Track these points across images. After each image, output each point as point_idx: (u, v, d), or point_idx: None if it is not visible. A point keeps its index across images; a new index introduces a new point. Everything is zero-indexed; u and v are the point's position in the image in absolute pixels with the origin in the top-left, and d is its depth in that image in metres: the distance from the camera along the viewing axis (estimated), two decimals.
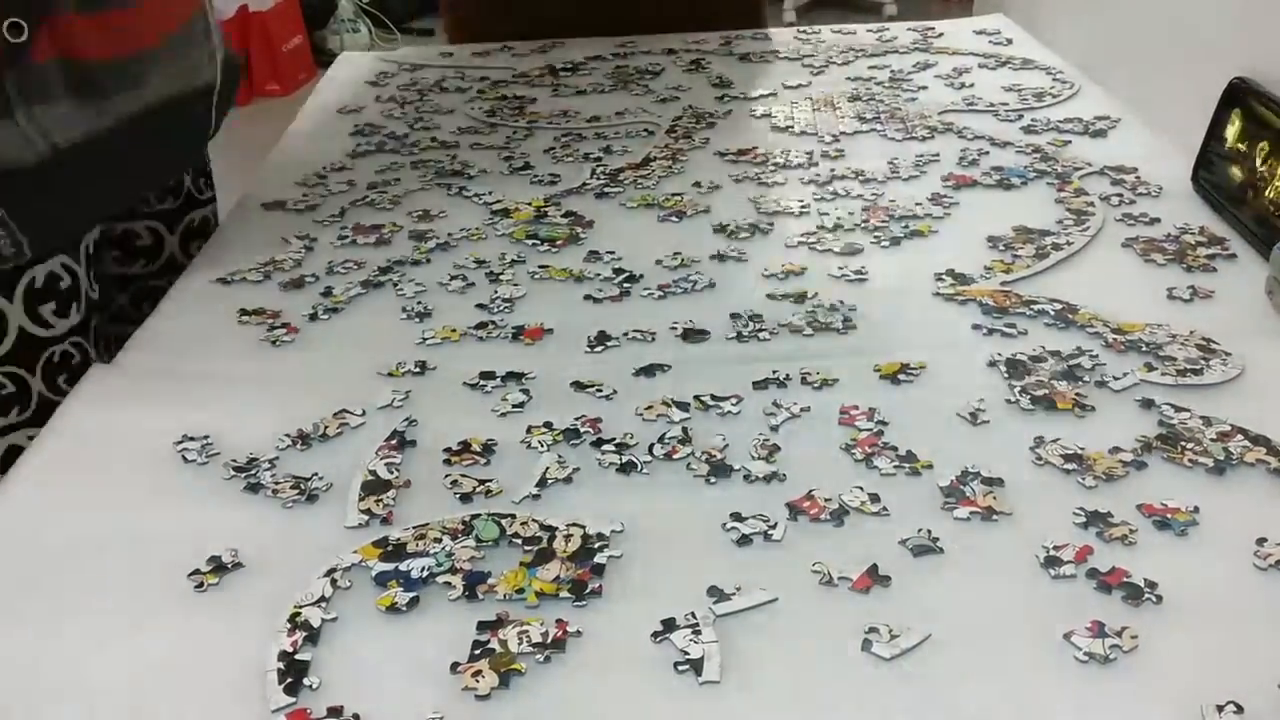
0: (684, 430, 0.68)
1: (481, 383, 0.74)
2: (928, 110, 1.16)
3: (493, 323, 0.81)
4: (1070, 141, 1.07)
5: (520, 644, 0.53)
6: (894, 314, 0.80)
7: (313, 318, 0.82)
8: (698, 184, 1.02)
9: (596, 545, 0.59)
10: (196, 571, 0.58)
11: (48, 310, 0.82)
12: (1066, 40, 1.34)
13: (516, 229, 0.95)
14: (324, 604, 0.56)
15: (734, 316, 0.80)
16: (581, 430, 0.68)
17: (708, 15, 1.46)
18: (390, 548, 0.59)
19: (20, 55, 0.72)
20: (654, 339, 0.78)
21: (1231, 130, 0.91)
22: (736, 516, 0.60)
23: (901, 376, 0.72)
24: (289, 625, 0.54)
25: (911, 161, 1.04)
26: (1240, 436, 0.65)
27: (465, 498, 0.63)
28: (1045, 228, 0.91)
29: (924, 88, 1.23)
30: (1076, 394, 0.70)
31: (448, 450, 0.67)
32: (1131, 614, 0.54)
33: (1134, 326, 0.77)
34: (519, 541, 0.59)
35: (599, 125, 1.17)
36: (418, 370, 0.75)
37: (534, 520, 0.61)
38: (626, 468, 0.65)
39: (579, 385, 0.73)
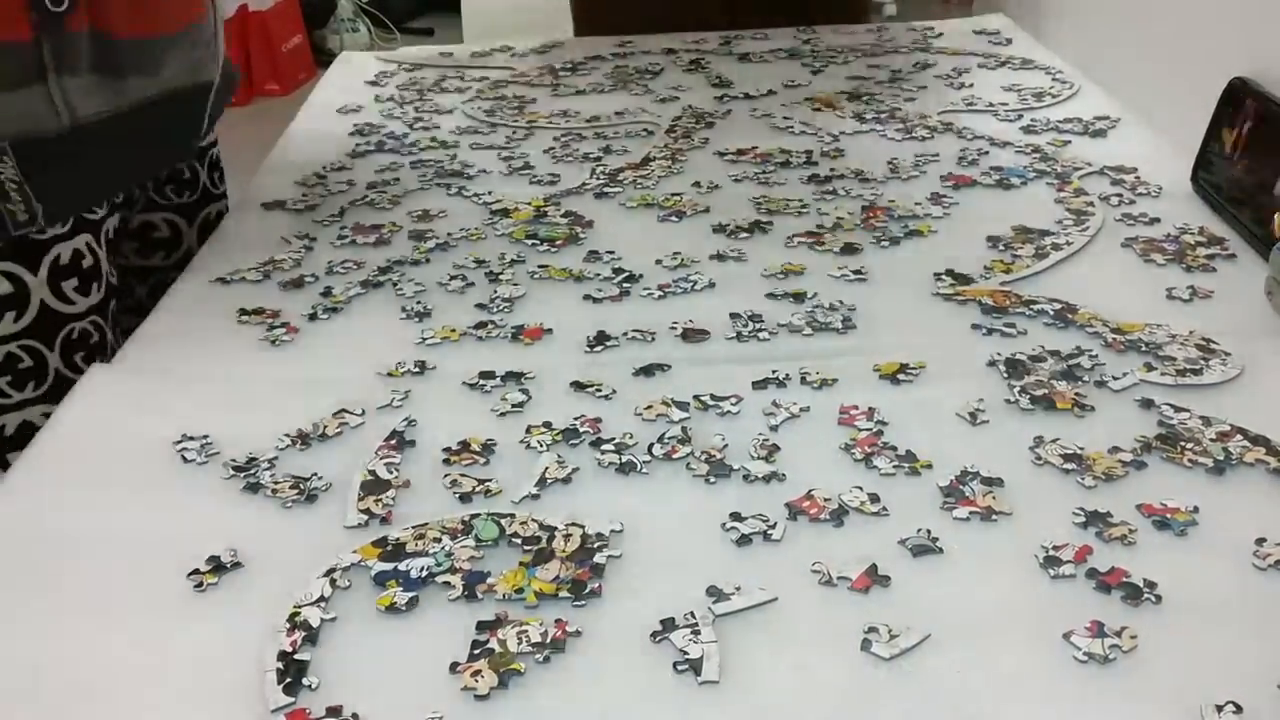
0: (683, 430, 0.68)
1: (481, 382, 0.74)
2: (927, 110, 1.16)
3: (492, 322, 0.81)
4: (1070, 141, 1.07)
5: (519, 644, 0.53)
6: (893, 314, 0.80)
7: (312, 317, 0.82)
8: (697, 184, 1.02)
9: (596, 545, 0.59)
10: (196, 571, 0.58)
11: (69, 287, 0.83)
12: (1066, 40, 1.34)
13: (516, 229, 0.95)
14: (323, 604, 0.55)
15: (733, 316, 0.80)
16: (581, 430, 0.68)
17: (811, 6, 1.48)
18: (389, 547, 0.59)
19: (59, 23, 0.74)
20: (654, 339, 0.78)
21: (1231, 131, 0.91)
22: (736, 516, 0.60)
23: (901, 376, 0.72)
24: (288, 625, 0.54)
25: (911, 161, 1.04)
26: (1240, 436, 0.65)
27: (465, 497, 0.63)
28: (1045, 228, 0.91)
29: (923, 87, 1.23)
30: (1076, 394, 0.70)
31: (447, 450, 0.67)
32: (1131, 614, 0.54)
33: (1133, 326, 0.77)
34: (518, 541, 0.59)
35: (598, 125, 1.17)
36: (417, 370, 0.75)
37: (533, 520, 0.61)
38: (626, 468, 0.65)
39: (578, 385, 0.73)
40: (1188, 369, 0.72)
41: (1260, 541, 0.58)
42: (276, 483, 0.64)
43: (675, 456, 0.65)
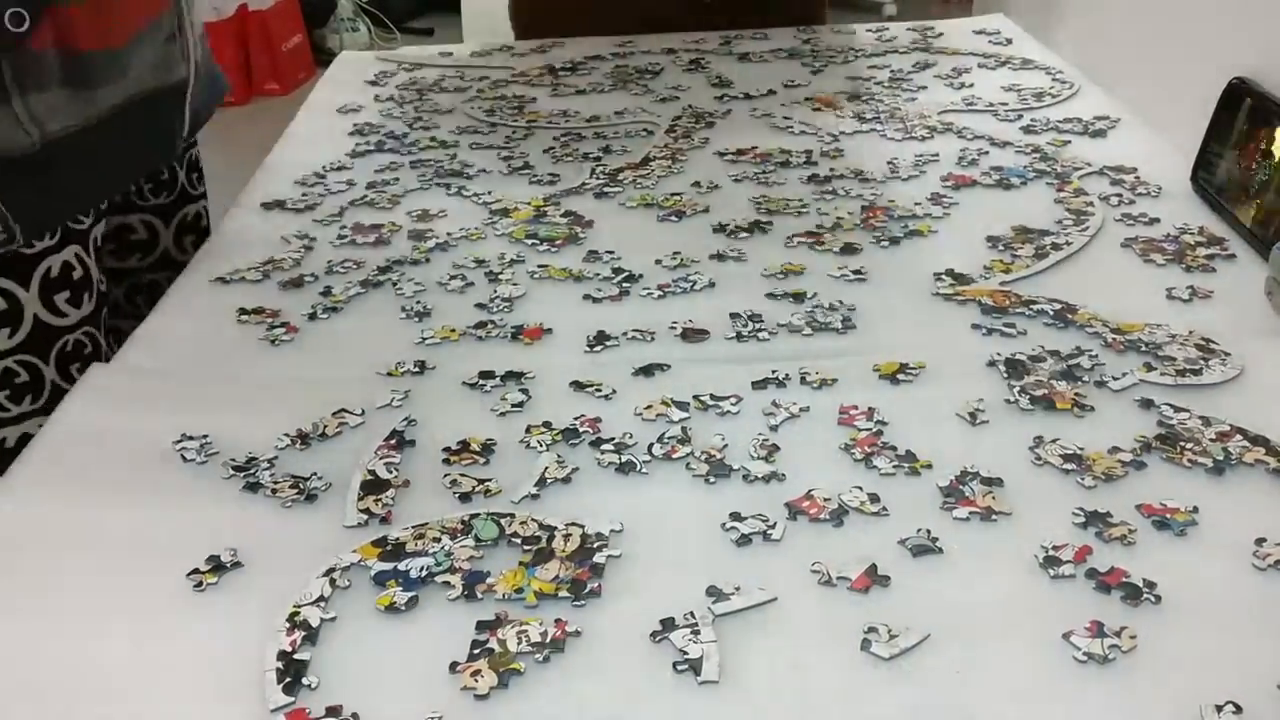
0: (683, 430, 0.68)
1: (481, 382, 0.74)
2: (927, 110, 1.16)
3: (492, 322, 0.81)
4: (1070, 141, 1.07)
5: (519, 644, 0.53)
6: (893, 314, 0.80)
7: (312, 317, 0.82)
8: (697, 184, 1.02)
9: (595, 545, 0.59)
10: (195, 571, 0.58)
11: (62, 299, 0.83)
12: (1066, 40, 1.34)
13: (516, 229, 0.94)
14: (323, 603, 0.55)
15: (733, 316, 0.80)
16: (581, 430, 0.68)
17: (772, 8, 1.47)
18: (389, 547, 0.59)
19: (19, 43, 0.73)
20: (653, 339, 0.78)
21: (1230, 131, 0.91)
22: (736, 516, 0.60)
23: (901, 376, 0.72)
24: (288, 625, 0.54)
25: (911, 161, 1.04)
26: (1239, 436, 0.65)
27: (464, 497, 0.63)
28: (1044, 228, 0.91)
29: (923, 87, 1.23)
30: (1076, 394, 0.70)
31: (447, 450, 0.67)
32: (1130, 614, 0.54)
33: (1133, 326, 0.77)
34: (518, 541, 0.59)
35: (598, 125, 1.17)
36: (417, 370, 0.75)
37: (533, 520, 0.61)
38: (626, 467, 0.65)
39: (578, 385, 0.73)
40: (1187, 369, 0.72)
41: (1260, 541, 0.58)
42: (276, 482, 0.64)
43: (675, 456, 0.65)
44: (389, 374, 0.75)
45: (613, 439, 0.67)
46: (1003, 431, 0.67)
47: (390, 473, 0.65)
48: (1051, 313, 0.79)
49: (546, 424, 0.69)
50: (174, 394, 0.73)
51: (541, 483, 0.64)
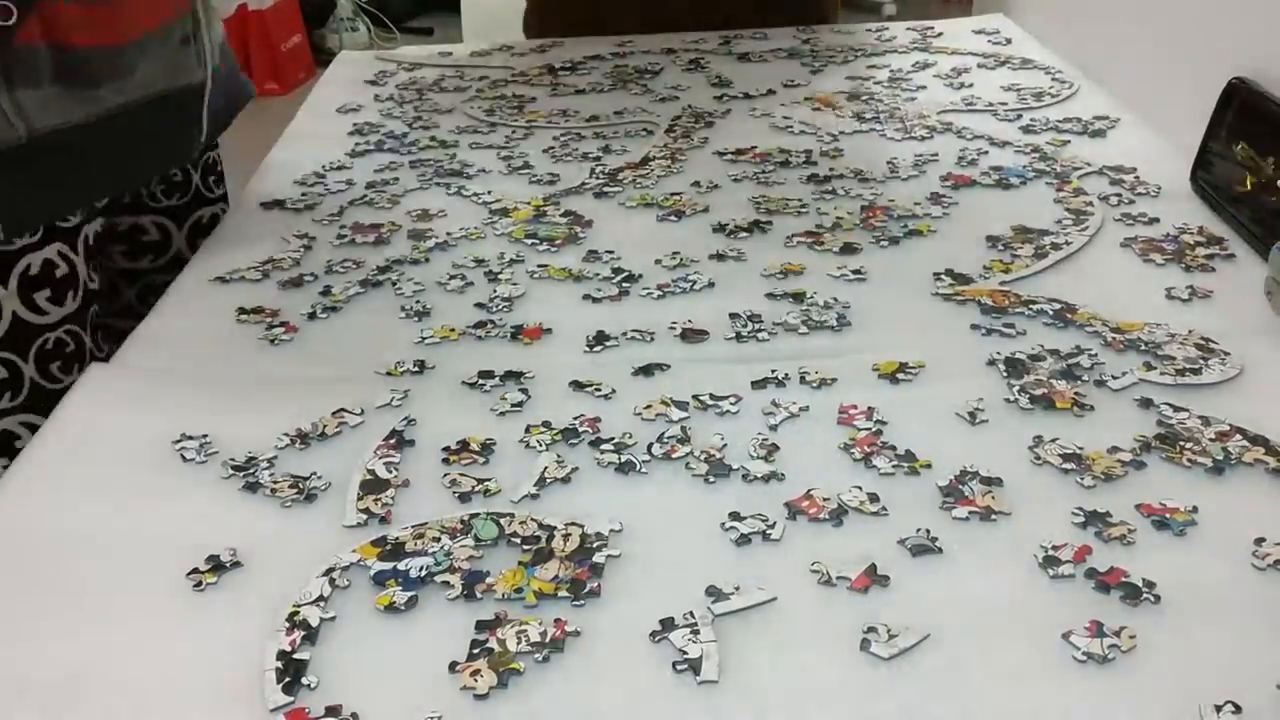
0: (683, 430, 0.68)
1: (480, 382, 0.74)
2: (926, 110, 1.16)
3: (491, 322, 0.81)
4: (1069, 141, 1.07)
5: (519, 643, 0.53)
6: (893, 313, 0.80)
7: (311, 317, 0.82)
8: (697, 183, 1.02)
9: (595, 545, 0.59)
10: (195, 571, 0.58)
11: (42, 297, 0.82)
12: (1066, 40, 1.34)
13: (515, 228, 0.94)
14: (322, 603, 0.55)
15: (733, 316, 0.80)
16: (580, 430, 0.68)
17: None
18: (389, 547, 0.59)
19: (6, 37, 0.73)
20: (653, 339, 0.78)
21: (1230, 131, 0.91)
22: (735, 516, 0.60)
23: (900, 376, 0.72)
24: (287, 624, 0.54)
25: (910, 161, 1.04)
26: (1239, 436, 0.65)
27: (464, 497, 0.63)
28: (1044, 227, 0.91)
29: (923, 87, 1.23)
30: (1075, 393, 0.70)
31: (446, 449, 0.67)
32: (1130, 614, 0.54)
33: (1133, 326, 0.77)
34: (517, 541, 0.59)
35: (598, 125, 1.17)
36: (416, 369, 0.75)
37: (532, 519, 0.61)
38: (625, 467, 0.65)
39: (578, 385, 0.73)
40: (1187, 368, 0.72)
41: (1259, 541, 0.58)
42: (276, 482, 0.64)
43: (674, 456, 0.65)
44: (388, 374, 0.75)
45: (612, 439, 0.67)
46: (1002, 431, 0.67)
47: (390, 472, 0.65)
48: (1051, 312, 0.79)
49: (546, 424, 0.69)
50: (174, 393, 0.73)
51: (541, 482, 0.64)
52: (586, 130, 1.15)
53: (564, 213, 0.97)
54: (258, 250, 0.92)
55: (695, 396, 0.71)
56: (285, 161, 1.11)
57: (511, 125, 1.18)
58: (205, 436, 0.68)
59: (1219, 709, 0.48)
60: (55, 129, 0.78)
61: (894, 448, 0.65)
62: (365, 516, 0.62)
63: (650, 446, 0.66)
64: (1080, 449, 0.65)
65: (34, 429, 0.74)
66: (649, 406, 0.70)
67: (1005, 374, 0.72)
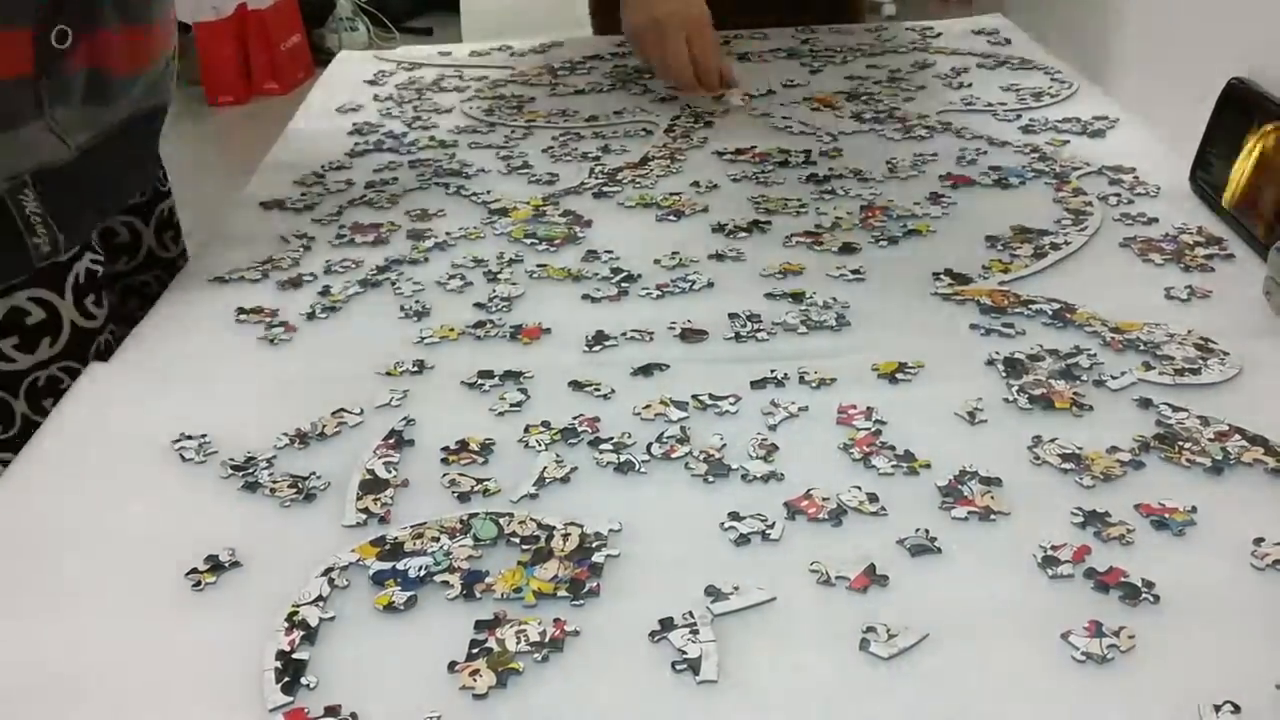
0: (682, 429, 0.68)
1: (479, 382, 0.74)
2: (926, 110, 1.16)
3: (491, 322, 0.81)
4: (1068, 141, 1.07)
5: (518, 643, 0.53)
6: (892, 313, 0.80)
7: (310, 317, 0.82)
8: (696, 183, 1.02)
9: (594, 544, 0.59)
10: (194, 571, 0.58)
11: (90, 302, 0.84)
12: (1066, 40, 1.34)
13: (515, 228, 0.94)
14: (321, 603, 0.55)
15: (732, 316, 0.80)
16: (579, 429, 0.68)
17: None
18: (388, 547, 0.59)
19: (58, 61, 0.75)
20: (652, 338, 0.78)
21: (1230, 131, 0.91)
22: (734, 516, 0.60)
23: (899, 376, 0.72)
24: (286, 624, 0.54)
25: (910, 161, 1.04)
26: (1238, 436, 0.65)
27: (463, 497, 0.63)
28: (1043, 227, 0.91)
29: (922, 87, 1.23)
30: (1074, 393, 0.70)
31: (445, 449, 0.67)
32: (1129, 614, 0.54)
33: (1132, 326, 0.77)
34: (517, 541, 0.59)
35: (597, 124, 1.17)
36: (415, 369, 0.75)
37: (532, 519, 0.61)
38: (624, 467, 0.65)
39: (577, 384, 0.73)
40: (1186, 368, 0.72)
41: (1258, 541, 0.58)
42: (275, 482, 0.64)
43: (674, 456, 0.65)
44: (388, 373, 0.75)
45: (611, 439, 0.67)
46: (1001, 431, 0.67)
47: (389, 472, 0.65)
48: (1050, 312, 0.79)
49: (545, 423, 0.69)
50: (173, 393, 0.73)
51: (540, 482, 0.64)
52: (586, 130, 1.15)
53: (563, 212, 0.97)
54: (257, 250, 0.92)
55: (694, 396, 0.71)
56: (284, 161, 1.11)
57: (511, 125, 1.18)
58: (204, 436, 0.68)
59: (1218, 709, 0.48)
60: (93, 143, 0.81)
61: (893, 448, 0.65)
62: (364, 516, 0.62)
63: (649, 446, 0.66)
64: (1079, 449, 0.65)
65: None
66: (648, 406, 0.70)
67: (1004, 374, 0.72)
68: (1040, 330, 0.77)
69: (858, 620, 0.53)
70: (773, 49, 1.38)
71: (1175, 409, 0.68)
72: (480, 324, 0.80)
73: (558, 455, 0.66)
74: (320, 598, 0.56)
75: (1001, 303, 0.80)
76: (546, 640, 0.53)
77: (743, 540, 0.59)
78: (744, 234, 0.92)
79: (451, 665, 0.52)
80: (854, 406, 0.69)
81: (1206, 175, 0.94)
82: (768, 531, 0.59)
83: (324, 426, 0.69)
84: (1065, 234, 0.89)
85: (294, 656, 0.52)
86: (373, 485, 0.64)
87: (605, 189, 1.01)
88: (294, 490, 0.64)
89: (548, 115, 1.20)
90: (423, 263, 0.90)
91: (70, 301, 0.82)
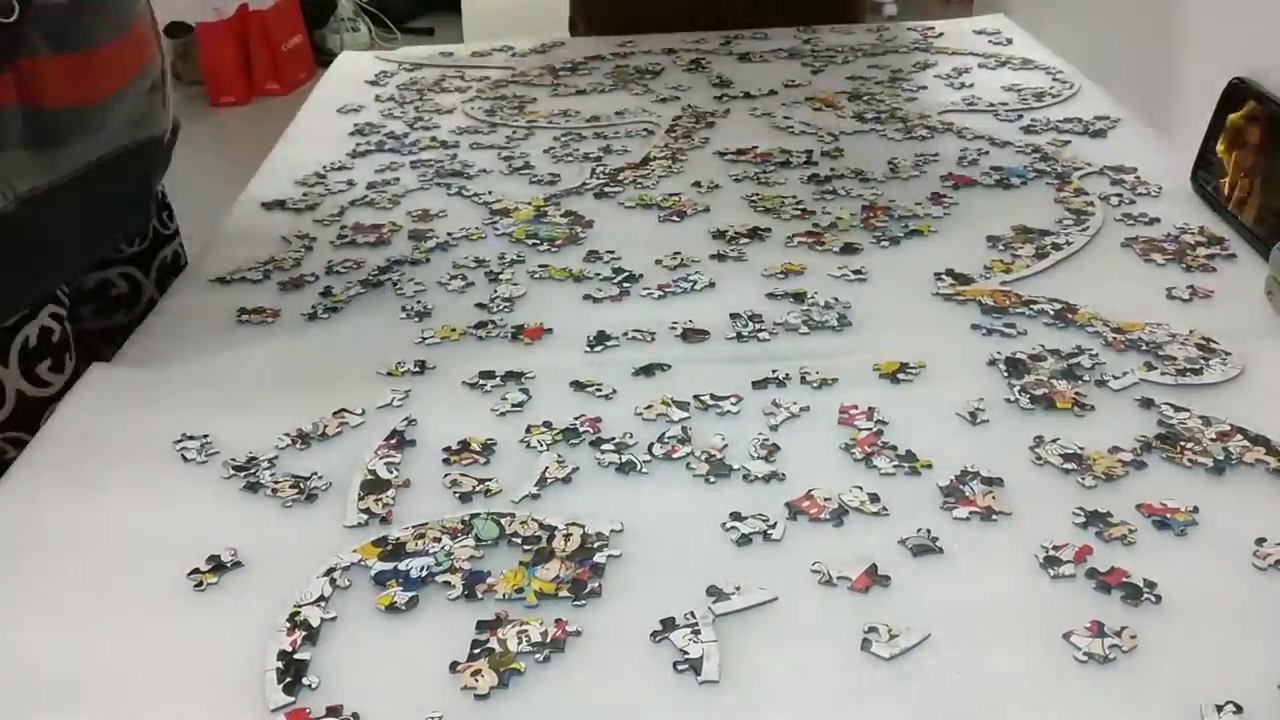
0: (683, 430, 0.68)
1: (481, 382, 0.74)
2: (927, 110, 1.16)
3: (492, 322, 0.81)
4: (1070, 141, 1.07)
5: (519, 643, 0.53)
6: (893, 314, 0.80)
7: (312, 317, 0.82)
8: (697, 184, 1.02)
9: (596, 545, 0.59)
10: (196, 571, 0.58)
11: (44, 369, 0.77)
12: (1066, 40, 1.34)
13: (516, 229, 0.95)
14: (323, 603, 0.55)
15: (733, 316, 0.80)
16: (581, 430, 0.68)
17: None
18: (389, 547, 0.59)
19: None
20: (653, 339, 0.78)
21: (1230, 131, 0.91)
22: (736, 516, 0.60)
23: (901, 376, 0.72)
24: (288, 624, 0.54)
25: (911, 161, 1.04)
26: (1239, 436, 0.65)
27: (464, 497, 0.63)
28: (1045, 227, 0.91)
29: (924, 87, 1.23)
30: (1076, 393, 0.70)
31: (447, 450, 0.67)
32: (1131, 614, 0.54)
33: (1133, 326, 0.77)
34: (518, 541, 0.59)
35: (598, 125, 1.17)
36: (417, 370, 0.75)
37: (533, 520, 0.61)
38: (626, 467, 0.65)
39: (578, 385, 0.73)
40: (1188, 368, 0.72)
41: (1260, 541, 0.58)
42: (276, 482, 0.64)
43: (675, 456, 0.65)
44: (389, 374, 0.75)
45: (613, 439, 0.67)
46: (1003, 431, 0.67)
47: (390, 472, 0.65)
48: (1052, 312, 0.78)
49: (547, 424, 0.69)
50: (174, 394, 0.73)
51: (542, 482, 0.64)
52: (587, 130, 1.15)
53: (564, 213, 0.97)
54: (259, 250, 0.92)
55: (696, 396, 0.71)
56: (286, 162, 1.11)
57: (512, 125, 1.18)
58: (206, 437, 0.68)
59: (1220, 709, 0.48)
60: (37, 193, 0.72)
61: (895, 448, 0.65)
62: (366, 517, 0.62)
63: (651, 446, 0.66)
64: (1081, 449, 0.65)
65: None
66: (650, 406, 0.70)
67: (1006, 374, 0.72)
68: (1042, 330, 0.77)
69: (859, 620, 0.53)
70: (774, 49, 1.38)
71: (1177, 409, 0.68)
72: (482, 324, 0.80)
73: (559, 455, 0.66)
74: (322, 598, 0.56)
75: (1003, 303, 0.80)
76: (548, 640, 0.53)
77: (744, 540, 0.59)
78: (745, 235, 0.92)
79: (453, 665, 0.52)
80: (855, 407, 0.69)
81: (1208, 175, 0.94)
82: (769, 532, 0.59)
83: (325, 427, 0.69)
84: (1067, 234, 0.89)
85: (296, 657, 0.52)
86: (374, 485, 0.64)
87: (606, 189, 1.01)
88: (296, 490, 0.64)
89: (549, 116, 1.20)
90: (424, 263, 0.90)
91: (14, 369, 0.74)
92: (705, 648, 0.52)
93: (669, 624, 0.54)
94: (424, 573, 0.57)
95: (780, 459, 0.65)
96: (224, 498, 0.64)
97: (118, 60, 0.79)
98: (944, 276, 0.84)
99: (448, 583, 0.57)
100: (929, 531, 0.59)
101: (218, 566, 0.58)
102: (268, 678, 0.51)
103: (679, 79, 1.29)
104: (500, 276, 0.87)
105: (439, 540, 0.59)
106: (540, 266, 0.88)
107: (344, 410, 0.71)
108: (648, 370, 0.74)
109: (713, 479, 0.64)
